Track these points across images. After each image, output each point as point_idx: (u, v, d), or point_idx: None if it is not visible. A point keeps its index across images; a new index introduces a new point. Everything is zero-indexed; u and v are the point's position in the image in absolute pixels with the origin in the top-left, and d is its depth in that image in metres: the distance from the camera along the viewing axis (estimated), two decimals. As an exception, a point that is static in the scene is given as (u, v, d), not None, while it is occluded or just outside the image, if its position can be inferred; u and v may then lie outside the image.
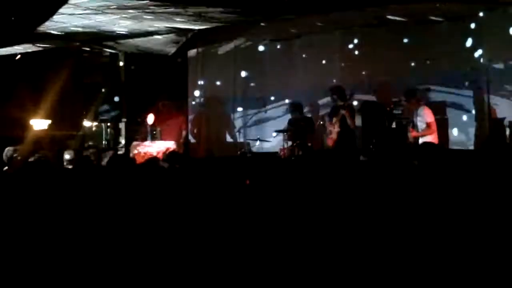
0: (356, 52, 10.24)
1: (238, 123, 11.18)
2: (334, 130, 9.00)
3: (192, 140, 11.46)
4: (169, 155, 7.42)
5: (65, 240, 3.62)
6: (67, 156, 8.66)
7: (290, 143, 9.50)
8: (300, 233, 4.11)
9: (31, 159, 6.14)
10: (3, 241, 3.58)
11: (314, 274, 3.44)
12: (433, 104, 9.04)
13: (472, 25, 9.09)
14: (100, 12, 8.46)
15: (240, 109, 11.39)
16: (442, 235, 4.04)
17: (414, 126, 8.44)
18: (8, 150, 7.59)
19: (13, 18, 8.00)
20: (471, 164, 7.83)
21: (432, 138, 8.31)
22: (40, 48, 10.50)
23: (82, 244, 3.61)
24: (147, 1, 7.81)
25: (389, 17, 9.32)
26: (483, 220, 4.33)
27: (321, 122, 10.14)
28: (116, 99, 11.67)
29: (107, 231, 3.78)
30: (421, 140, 8.36)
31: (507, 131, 8.20)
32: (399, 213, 4.74)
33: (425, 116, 8.36)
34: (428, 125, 8.35)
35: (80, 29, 9.52)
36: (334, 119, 9.05)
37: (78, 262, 3.44)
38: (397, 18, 9.35)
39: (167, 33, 10.25)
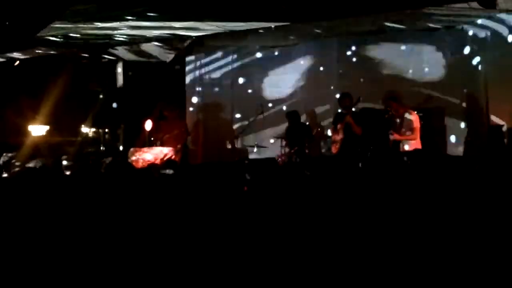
0: (354, 59, 10.27)
1: (236, 129, 11.19)
2: (338, 137, 8.97)
3: (190, 146, 11.46)
4: (168, 162, 7.41)
5: (63, 246, 3.62)
6: (65, 162, 8.64)
7: (287, 149, 9.51)
8: (297, 239, 4.10)
9: (29, 165, 6.13)
10: (1, 246, 3.57)
11: (312, 279, 3.44)
12: (431, 111, 9.06)
13: (470, 32, 9.13)
14: (99, 19, 8.48)
15: (237, 115, 11.41)
16: (439, 240, 4.05)
17: (396, 129, 8.40)
18: (4, 156, 7.58)
19: (12, 24, 8.00)
20: (468, 170, 7.85)
21: (415, 144, 8.29)
22: (39, 54, 10.51)
23: (80, 249, 3.61)
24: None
25: (387, 24, 9.35)
26: (481, 225, 4.34)
27: (319, 129, 10.16)
28: (114, 105, 11.68)
29: (106, 237, 3.78)
30: (407, 146, 8.34)
31: (505, 138, 8.23)
32: (396, 220, 4.74)
33: (412, 121, 8.32)
34: (413, 130, 8.31)
35: (79, 36, 9.53)
36: (338, 126, 9.01)
37: (77, 268, 3.43)
38: (396, 26, 9.38)
39: (166, 40, 10.27)
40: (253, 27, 9.45)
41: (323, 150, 10.12)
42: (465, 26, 9.15)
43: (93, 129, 11.06)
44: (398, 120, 8.47)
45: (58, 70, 10.42)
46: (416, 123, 8.33)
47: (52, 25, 8.45)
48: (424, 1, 8.09)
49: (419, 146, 8.30)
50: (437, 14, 8.61)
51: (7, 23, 7.99)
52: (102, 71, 11.93)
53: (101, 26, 8.94)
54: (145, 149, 9.47)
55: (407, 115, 8.39)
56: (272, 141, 10.35)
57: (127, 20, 8.62)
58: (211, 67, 11.62)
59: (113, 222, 4.03)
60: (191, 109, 11.82)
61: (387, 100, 8.70)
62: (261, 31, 9.92)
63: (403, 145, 8.39)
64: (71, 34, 9.41)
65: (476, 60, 9.03)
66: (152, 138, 9.77)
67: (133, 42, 10.37)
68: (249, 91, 11.35)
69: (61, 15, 8.00)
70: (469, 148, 8.99)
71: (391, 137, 8.34)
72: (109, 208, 4.23)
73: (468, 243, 3.93)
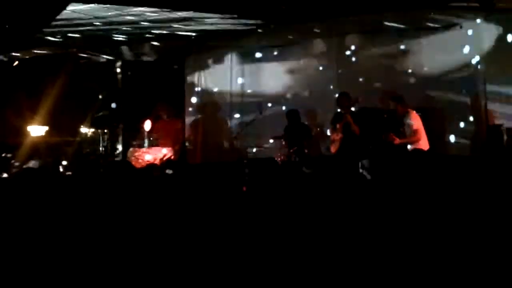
0: (353, 59, 10.27)
1: (234, 129, 11.18)
2: (337, 137, 8.94)
3: (189, 146, 11.46)
4: (168, 162, 7.41)
5: (62, 245, 3.61)
6: (64, 162, 8.64)
7: (286, 149, 9.49)
8: (296, 238, 4.10)
9: (27, 165, 6.13)
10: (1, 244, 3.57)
11: (310, 277, 3.43)
12: (430, 110, 9.04)
13: (469, 32, 9.12)
14: (98, 18, 8.48)
15: (237, 115, 11.40)
16: (440, 238, 4.04)
17: (396, 130, 8.32)
18: (4, 157, 7.57)
19: (12, 25, 7.99)
20: (468, 170, 7.85)
21: (420, 144, 8.22)
22: (38, 54, 10.50)
23: (79, 248, 3.60)
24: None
25: (386, 23, 9.34)
26: (481, 223, 4.33)
27: (318, 129, 10.14)
28: (113, 105, 11.67)
29: (105, 236, 3.77)
30: (410, 147, 8.31)
31: (504, 137, 8.22)
32: (393, 218, 4.74)
33: (411, 122, 8.26)
34: (414, 131, 8.24)
35: (77, 36, 9.53)
36: (337, 126, 8.97)
37: (77, 266, 3.43)
38: (394, 25, 9.38)
39: (164, 40, 10.27)
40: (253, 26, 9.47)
41: (322, 150, 10.11)
42: (465, 26, 9.14)
43: (92, 130, 11.04)
44: (398, 120, 8.44)
45: (57, 70, 10.41)
46: (417, 124, 8.26)
47: (51, 25, 8.45)
48: (425, 2, 8.10)
49: (424, 146, 8.23)
50: (437, 13, 8.62)
51: (7, 24, 7.99)
52: (101, 71, 11.92)
53: (100, 25, 8.94)
54: (144, 149, 9.48)
55: (406, 116, 8.36)
56: (271, 141, 10.33)
57: (127, 19, 8.63)
58: (210, 67, 11.61)
59: (112, 221, 4.03)
60: (190, 109, 11.82)
61: (387, 99, 8.67)
62: (260, 30, 9.91)
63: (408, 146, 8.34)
64: (70, 34, 9.40)
65: (475, 59, 9.02)
66: (151, 138, 9.78)
67: (132, 42, 10.37)
68: (248, 91, 11.34)
69: (60, 14, 8.00)
70: (469, 147, 8.99)
71: (395, 141, 8.22)
72: (109, 208, 4.23)
73: (466, 241, 3.92)
